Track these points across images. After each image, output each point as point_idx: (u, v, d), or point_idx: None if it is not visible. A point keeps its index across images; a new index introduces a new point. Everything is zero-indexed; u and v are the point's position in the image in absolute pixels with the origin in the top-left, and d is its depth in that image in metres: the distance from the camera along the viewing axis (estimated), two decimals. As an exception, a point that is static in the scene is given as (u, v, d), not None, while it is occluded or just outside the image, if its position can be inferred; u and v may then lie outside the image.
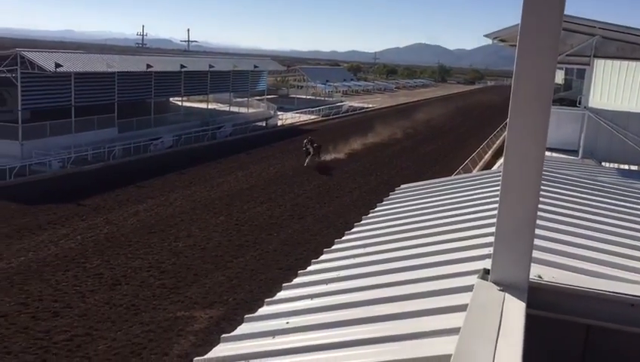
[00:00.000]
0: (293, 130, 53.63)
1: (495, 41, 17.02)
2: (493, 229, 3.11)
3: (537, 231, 3.58)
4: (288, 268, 18.88)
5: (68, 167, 32.66)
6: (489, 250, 3.71)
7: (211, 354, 4.06)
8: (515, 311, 2.71)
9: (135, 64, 42.37)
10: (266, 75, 63.65)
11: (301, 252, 21.17)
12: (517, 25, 2.81)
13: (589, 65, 17.93)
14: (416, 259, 4.91)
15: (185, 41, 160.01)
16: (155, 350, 14.03)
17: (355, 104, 79.71)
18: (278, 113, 59.88)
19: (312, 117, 63.61)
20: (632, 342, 3.07)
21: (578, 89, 20.33)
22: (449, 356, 2.42)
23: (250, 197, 28.88)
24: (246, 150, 41.77)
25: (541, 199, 3.94)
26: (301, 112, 64.19)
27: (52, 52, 37.99)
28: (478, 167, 35.58)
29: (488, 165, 36.38)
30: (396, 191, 8.87)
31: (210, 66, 49.82)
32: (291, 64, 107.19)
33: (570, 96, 20.58)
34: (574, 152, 17.98)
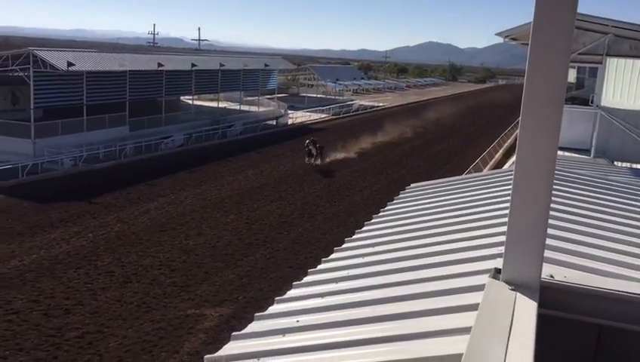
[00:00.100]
0: (304, 129, 53.66)
1: (507, 40, 16.95)
2: (504, 228, 3.09)
3: (549, 231, 3.56)
4: (298, 267, 18.90)
5: (79, 165, 32.88)
6: (500, 249, 3.70)
7: (222, 352, 4.07)
8: (527, 310, 2.70)
9: (146, 63, 42.57)
10: (277, 74, 63.72)
11: (311, 250, 21.18)
12: (529, 23, 2.79)
13: (601, 63, 17.80)
14: (427, 258, 4.90)
15: (196, 40, 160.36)
16: (166, 347, 14.10)
17: (366, 103, 79.65)
18: (289, 112, 59.94)
19: (323, 115, 63.60)
20: (645, 342, 3.05)
21: (590, 88, 20.19)
22: (460, 355, 2.41)
23: (261, 196, 28.93)
24: (256, 149, 41.84)
25: (553, 198, 3.92)
26: (311, 111, 64.21)
27: (64, 51, 38.24)
28: (488, 167, 35.43)
29: (499, 164, 36.23)
30: (407, 190, 8.85)
31: (221, 65, 49.94)
32: (302, 63, 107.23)
33: (582, 94, 20.45)
34: (586, 151, 17.88)
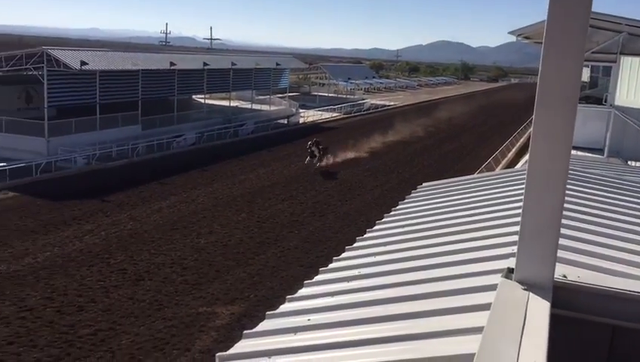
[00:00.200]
0: (315, 128, 53.66)
1: (519, 38, 16.86)
2: (517, 228, 3.08)
3: (562, 231, 3.54)
4: (309, 266, 18.92)
5: (92, 163, 33.11)
6: (512, 249, 3.69)
7: (233, 350, 4.09)
8: (540, 310, 2.68)
9: (159, 62, 42.76)
10: (288, 73, 63.76)
11: (322, 249, 21.19)
12: (543, 21, 2.78)
13: (615, 62, 17.66)
14: (439, 257, 4.88)
15: (208, 39, 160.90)
16: (178, 345, 14.17)
17: (377, 102, 79.51)
18: (300, 111, 59.98)
19: (334, 114, 63.59)
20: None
21: (604, 87, 20.04)
22: (472, 355, 2.40)
23: (272, 195, 28.99)
24: (268, 147, 41.91)
25: (566, 198, 3.89)
26: (323, 110, 64.21)
27: (77, 50, 38.49)
28: (501, 166, 35.24)
29: (511, 163, 36.03)
30: (418, 190, 8.83)
31: (233, 64, 50.07)
32: (313, 61, 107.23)
33: (595, 93, 20.31)
34: (600, 151, 17.74)
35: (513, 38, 17.08)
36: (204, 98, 51.84)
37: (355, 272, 5.13)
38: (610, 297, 3.06)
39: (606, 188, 7.01)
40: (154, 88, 42.35)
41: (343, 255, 5.97)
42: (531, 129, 2.93)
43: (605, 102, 18.45)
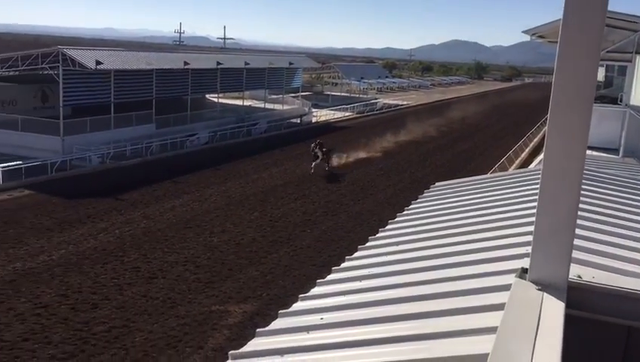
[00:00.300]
0: (328, 127, 53.66)
1: (534, 38, 16.74)
2: (530, 228, 3.07)
3: (577, 231, 3.52)
4: (322, 265, 18.92)
5: (107, 162, 33.35)
6: (527, 249, 3.67)
7: (246, 348, 4.11)
8: (554, 310, 2.67)
9: (173, 61, 42.96)
10: (301, 72, 63.79)
11: (334, 249, 21.19)
12: (557, 21, 2.76)
13: (630, 61, 17.48)
14: (452, 257, 4.87)
15: (221, 39, 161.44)
16: (191, 343, 14.24)
17: (390, 101, 79.32)
18: (313, 110, 60.00)
19: (347, 114, 63.53)
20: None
21: (619, 86, 19.84)
22: (486, 355, 2.40)
23: (284, 194, 29.03)
24: (280, 147, 41.97)
25: (581, 198, 3.87)
26: (335, 109, 64.18)
27: (92, 49, 38.77)
28: (514, 166, 35.02)
29: (525, 163, 35.78)
30: (431, 189, 8.81)
31: (246, 63, 50.17)
32: (326, 61, 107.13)
33: (611, 93, 20.12)
34: (615, 151, 17.57)
35: (527, 38, 16.97)
36: (218, 97, 52.02)
37: (368, 272, 5.13)
38: (626, 298, 3.04)
39: (621, 189, 6.95)
40: (168, 87, 42.55)
41: (356, 254, 5.97)
42: (546, 128, 2.92)
43: (620, 101, 18.27)
